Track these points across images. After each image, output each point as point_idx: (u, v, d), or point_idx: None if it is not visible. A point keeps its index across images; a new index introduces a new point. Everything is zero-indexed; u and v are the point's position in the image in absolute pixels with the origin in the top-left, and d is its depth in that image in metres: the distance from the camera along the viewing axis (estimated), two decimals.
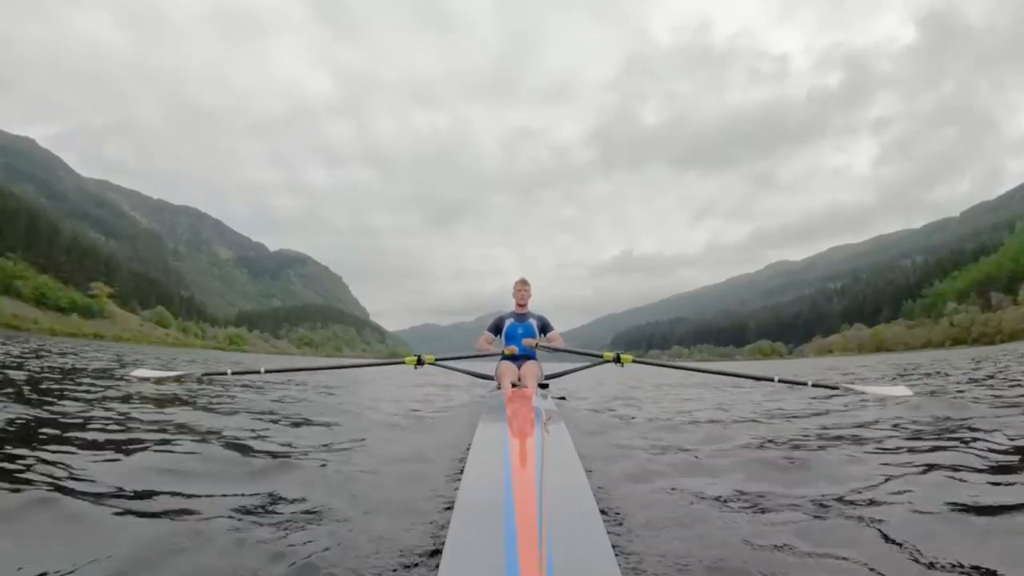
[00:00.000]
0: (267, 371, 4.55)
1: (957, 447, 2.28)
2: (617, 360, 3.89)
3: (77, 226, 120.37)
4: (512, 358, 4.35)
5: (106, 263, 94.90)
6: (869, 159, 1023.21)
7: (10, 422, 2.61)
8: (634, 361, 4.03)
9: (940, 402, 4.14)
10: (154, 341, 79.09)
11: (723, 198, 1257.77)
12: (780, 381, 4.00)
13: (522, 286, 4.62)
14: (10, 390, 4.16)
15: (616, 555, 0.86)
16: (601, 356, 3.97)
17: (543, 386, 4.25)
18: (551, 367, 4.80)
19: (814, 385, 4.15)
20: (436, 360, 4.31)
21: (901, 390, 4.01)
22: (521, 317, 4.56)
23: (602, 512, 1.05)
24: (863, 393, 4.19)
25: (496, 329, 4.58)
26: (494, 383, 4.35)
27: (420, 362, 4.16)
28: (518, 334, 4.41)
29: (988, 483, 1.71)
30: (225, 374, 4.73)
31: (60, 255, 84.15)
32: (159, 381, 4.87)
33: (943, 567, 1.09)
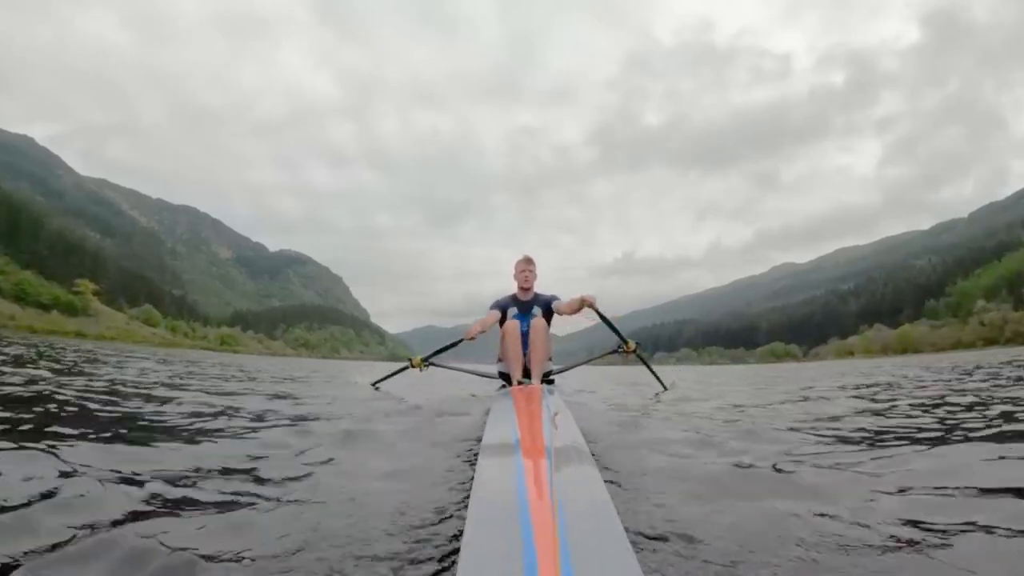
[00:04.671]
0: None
1: None
2: (624, 345, 4.09)
3: (73, 223, 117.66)
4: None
5: (93, 259, 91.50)
6: (873, 159, 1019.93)
7: None
8: (636, 352, 4.28)
9: None
10: (140, 340, 75.33)
11: (726, 199, 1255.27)
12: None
13: (526, 265, 4.00)
14: None
15: (633, 548, 0.85)
16: (616, 349, 4.12)
17: (550, 381, 4.03)
18: (557, 362, 4.63)
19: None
20: (433, 363, 4.28)
21: None
22: (526, 305, 3.97)
23: (616, 506, 1.05)
24: None
25: (501, 309, 4.00)
26: (499, 381, 4.16)
27: (415, 362, 4.26)
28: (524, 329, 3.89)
29: None
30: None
31: (44, 250, 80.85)
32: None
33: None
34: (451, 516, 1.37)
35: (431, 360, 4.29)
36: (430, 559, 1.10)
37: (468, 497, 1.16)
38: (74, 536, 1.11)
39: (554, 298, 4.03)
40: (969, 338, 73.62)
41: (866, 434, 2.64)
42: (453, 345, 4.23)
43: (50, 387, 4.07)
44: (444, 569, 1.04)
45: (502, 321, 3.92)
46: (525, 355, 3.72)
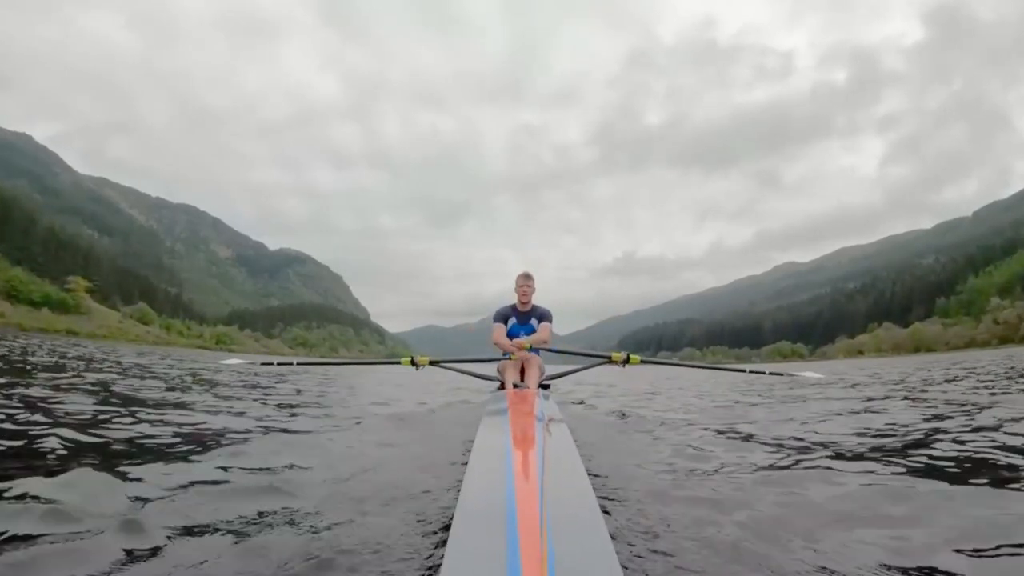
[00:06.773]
0: (299, 363, 5.17)
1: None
2: (626, 361, 3.91)
3: (69, 221, 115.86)
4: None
5: (86, 256, 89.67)
6: (875, 159, 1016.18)
7: None
8: (642, 361, 4.09)
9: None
10: (133, 338, 73.58)
11: (727, 200, 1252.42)
12: (751, 372, 4.57)
13: (525, 281, 4.21)
14: None
15: (619, 557, 0.86)
16: (609, 357, 4.01)
17: (545, 386, 4.16)
18: (553, 368, 4.67)
19: (751, 371, 4.57)
20: (431, 362, 4.28)
21: (813, 374, 4.80)
22: (524, 316, 4.27)
23: (605, 514, 1.05)
24: (783, 374, 4.69)
25: (503, 319, 4.29)
26: (495, 383, 4.30)
27: (413, 363, 4.18)
28: (520, 336, 4.18)
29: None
30: (278, 364, 4.88)
31: (35, 247, 79.04)
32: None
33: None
34: (439, 517, 1.34)
35: (438, 364, 4.41)
36: (413, 561, 1.08)
37: (455, 500, 1.17)
38: (64, 540, 1.13)
39: (548, 312, 4.25)
40: (983, 336, 71.77)
41: None
42: (468, 361, 4.47)
43: None
44: (427, 572, 1.02)
45: (505, 320, 4.28)
46: (517, 385, 3.92)
